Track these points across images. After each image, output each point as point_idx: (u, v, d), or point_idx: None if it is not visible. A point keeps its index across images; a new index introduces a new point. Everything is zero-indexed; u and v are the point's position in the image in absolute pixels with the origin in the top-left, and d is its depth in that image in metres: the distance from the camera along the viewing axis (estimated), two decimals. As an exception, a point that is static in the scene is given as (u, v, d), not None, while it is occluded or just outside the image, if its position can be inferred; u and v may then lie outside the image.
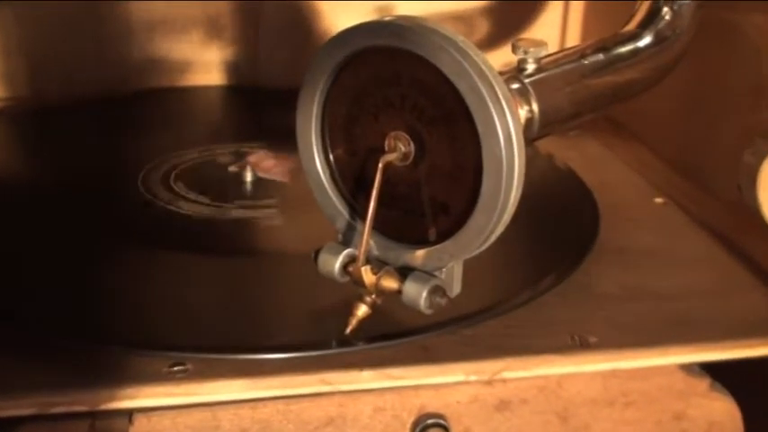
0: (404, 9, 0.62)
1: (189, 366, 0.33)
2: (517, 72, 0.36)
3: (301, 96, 0.35)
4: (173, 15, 0.66)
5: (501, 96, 0.30)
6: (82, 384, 0.32)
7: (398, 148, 0.33)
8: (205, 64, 0.67)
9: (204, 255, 0.42)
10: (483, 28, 0.68)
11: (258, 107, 0.64)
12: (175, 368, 0.33)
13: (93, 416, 0.32)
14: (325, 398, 0.33)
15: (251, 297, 0.39)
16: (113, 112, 0.61)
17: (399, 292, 0.33)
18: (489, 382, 0.34)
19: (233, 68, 0.68)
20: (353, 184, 0.35)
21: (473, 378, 0.34)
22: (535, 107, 0.35)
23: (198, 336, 0.36)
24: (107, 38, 0.64)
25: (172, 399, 0.32)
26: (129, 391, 0.32)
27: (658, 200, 0.51)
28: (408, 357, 0.34)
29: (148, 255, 0.42)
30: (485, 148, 0.30)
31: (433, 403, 0.34)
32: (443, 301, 0.33)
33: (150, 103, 0.64)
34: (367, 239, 0.33)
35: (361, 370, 0.33)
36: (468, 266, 0.34)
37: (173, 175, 0.50)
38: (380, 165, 0.32)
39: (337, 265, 0.35)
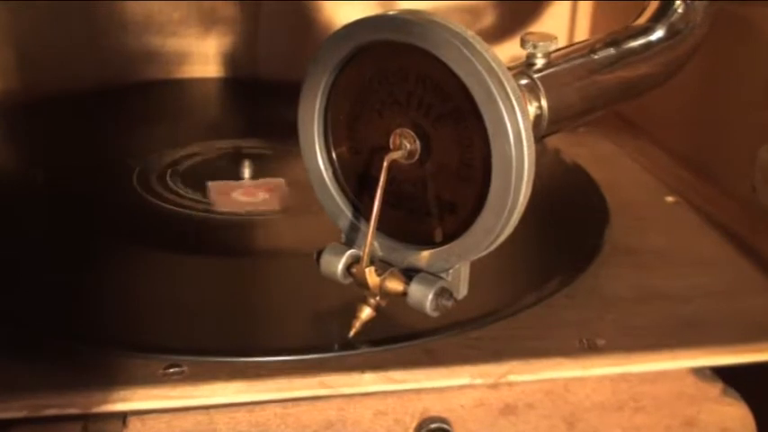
0: (408, 2, 0.62)
1: (185, 368, 0.33)
2: (526, 67, 0.36)
3: (303, 92, 0.35)
4: (169, 5, 0.65)
5: (510, 92, 0.30)
6: (74, 386, 0.32)
7: (404, 146, 0.33)
8: (202, 55, 0.67)
9: (201, 254, 0.42)
10: (490, 21, 0.68)
11: (257, 100, 0.64)
12: (171, 370, 0.33)
13: (86, 418, 0.31)
14: (325, 401, 0.33)
15: (250, 298, 0.40)
16: (107, 105, 0.61)
17: (404, 294, 0.33)
18: (494, 386, 0.34)
19: (231, 60, 0.68)
20: (357, 183, 0.35)
21: (478, 381, 0.34)
22: (544, 103, 0.35)
23: (194, 337, 0.36)
24: (101, 28, 0.64)
25: (167, 401, 0.32)
26: (123, 393, 0.32)
27: (670, 199, 0.51)
28: (411, 360, 0.34)
29: (143, 254, 0.42)
30: (494, 145, 0.30)
31: (436, 407, 0.34)
32: (450, 304, 0.33)
33: (145, 95, 0.64)
34: (371, 240, 0.33)
35: (363, 373, 0.33)
36: (474, 267, 0.34)
37: (169, 172, 0.50)
38: (385, 163, 0.32)
39: (340, 266, 0.35)
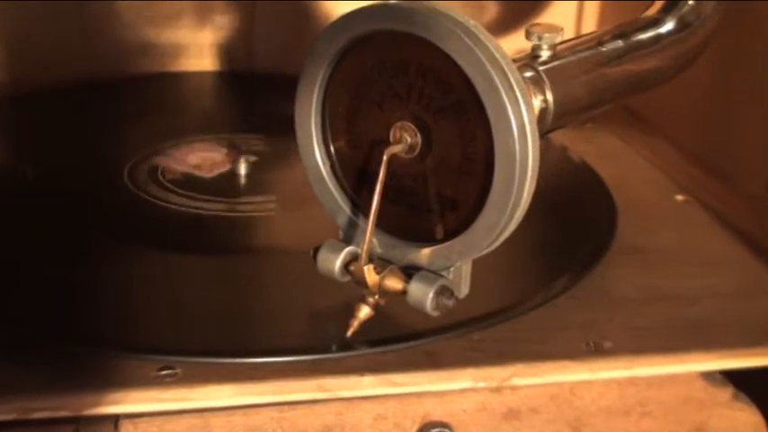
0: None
1: (178, 370, 0.33)
2: (531, 59, 0.36)
3: (300, 85, 0.35)
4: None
5: (514, 84, 0.30)
6: (65, 388, 0.32)
7: (404, 140, 0.33)
8: (198, 48, 0.67)
9: (195, 253, 0.42)
10: (494, 12, 0.67)
11: (253, 94, 0.63)
12: (164, 372, 0.33)
13: (77, 421, 0.31)
14: (323, 405, 0.33)
15: (245, 298, 0.39)
16: (99, 99, 0.61)
17: (404, 292, 0.33)
18: (497, 390, 0.34)
19: (227, 53, 0.67)
20: (356, 178, 0.35)
21: (480, 385, 0.34)
22: (549, 97, 0.35)
23: (188, 338, 0.35)
24: (95, 20, 0.64)
25: (160, 404, 0.32)
26: (115, 395, 0.32)
27: (679, 197, 0.51)
28: (412, 362, 0.34)
29: (135, 253, 0.42)
30: (497, 139, 0.30)
31: (437, 411, 0.34)
32: (451, 303, 0.33)
33: (140, 89, 0.64)
34: (370, 237, 0.33)
35: (362, 375, 0.33)
36: (476, 266, 0.34)
37: (161, 168, 0.50)
38: (385, 157, 0.32)
39: (338, 263, 0.35)
